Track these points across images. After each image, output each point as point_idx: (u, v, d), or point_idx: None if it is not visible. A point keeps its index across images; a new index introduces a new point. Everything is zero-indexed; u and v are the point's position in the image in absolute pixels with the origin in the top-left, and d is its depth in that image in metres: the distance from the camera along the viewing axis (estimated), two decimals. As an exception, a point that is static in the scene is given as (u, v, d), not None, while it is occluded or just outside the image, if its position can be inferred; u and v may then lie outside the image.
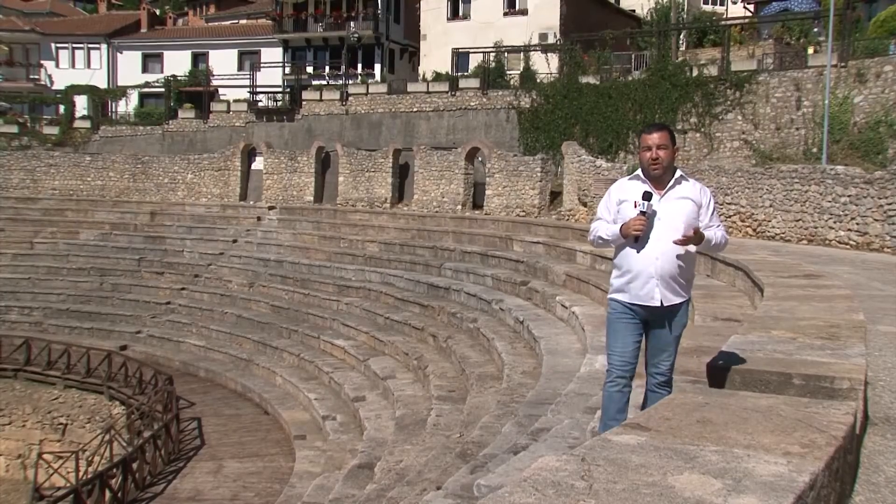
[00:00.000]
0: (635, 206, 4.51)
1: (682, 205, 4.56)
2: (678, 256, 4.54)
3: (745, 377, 3.42)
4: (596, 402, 5.56)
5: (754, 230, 16.68)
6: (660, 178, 4.59)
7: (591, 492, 2.17)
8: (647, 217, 4.46)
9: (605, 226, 4.74)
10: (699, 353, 5.80)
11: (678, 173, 4.65)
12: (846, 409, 3.03)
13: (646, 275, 4.57)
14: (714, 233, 4.66)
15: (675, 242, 4.44)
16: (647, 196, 4.49)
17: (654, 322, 4.70)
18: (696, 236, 4.50)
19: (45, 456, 16.60)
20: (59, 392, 21.60)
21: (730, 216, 17.26)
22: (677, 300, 4.63)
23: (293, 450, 15.38)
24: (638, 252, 4.57)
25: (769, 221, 16.39)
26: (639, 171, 4.73)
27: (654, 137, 4.59)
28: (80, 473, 14.37)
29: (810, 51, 25.47)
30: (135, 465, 14.57)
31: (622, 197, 4.69)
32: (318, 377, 18.43)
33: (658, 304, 4.58)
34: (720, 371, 3.53)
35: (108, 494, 13.68)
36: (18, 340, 23.19)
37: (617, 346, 4.76)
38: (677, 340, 4.78)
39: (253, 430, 17.24)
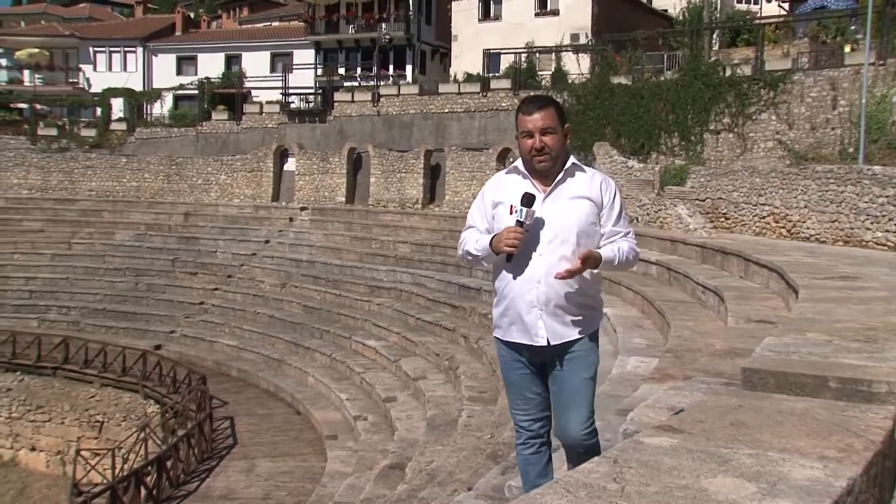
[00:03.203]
0: (511, 213, 3.40)
1: (575, 207, 3.45)
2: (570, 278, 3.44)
3: (779, 380, 3.38)
4: (629, 403, 5.54)
5: (788, 231, 16.47)
6: (547, 171, 3.48)
7: (624, 494, 2.17)
8: (526, 229, 3.36)
9: (475, 237, 3.60)
10: (732, 354, 5.75)
11: (570, 162, 3.51)
12: (884, 414, 2.99)
13: (525, 304, 3.45)
14: (618, 248, 3.49)
15: (557, 277, 3.33)
16: (526, 200, 3.36)
17: (549, 366, 3.58)
18: (587, 262, 3.33)
19: (82, 453, 16.87)
20: (95, 390, 21.96)
21: (763, 217, 17.07)
22: (573, 335, 3.50)
23: (325, 449, 15.46)
24: (515, 276, 3.46)
25: (804, 222, 16.17)
26: (518, 162, 3.59)
27: (536, 119, 3.43)
28: (117, 471, 14.58)
29: (847, 49, 25.06)
30: (169, 464, 14.75)
31: (497, 197, 3.55)
32: (350, 377, 18.52)
33: (544, 342, 3.47)
34: (754, 373, 3.50)
35: (143, 492, 13.87)
36: (57, 339, 23.63)
37: (517, 402, 3.69)
38: (588, 387, 3.56)
39: (285, 429, 17.38)
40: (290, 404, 18.85)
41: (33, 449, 21.97)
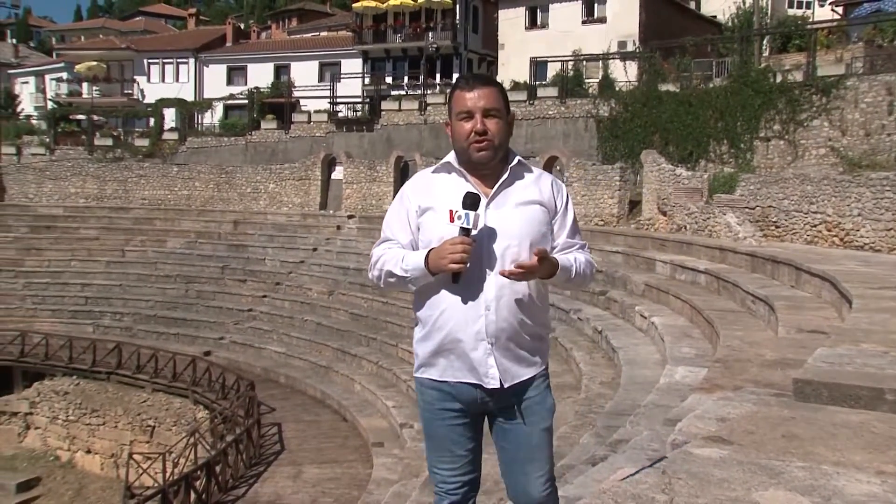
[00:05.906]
0: (452, 220, 2.72)
1: (525, 214, 2.82)
2: (524, 299, 2.77)
3: (832, 391, 3.31)
4: (677, 413, 5.46)
5: (841, 240, 16.12)
6: (487, 166, 2.82)
7: (673, 505, 2.15)
8: (473, 238, 2.68)
9: (397, 255, 2.87)
10: (783, 365, 5.65)
11: (516, 159, 2.88)
12: (943, 427, 2.91)
13: (470, 337, 2.75)
14: (575, 258, 2.90)
15: (504, 274, 2.68)
16: (470, 202, 2.70)
17: (497, 413, 2.89)
18: (541, 265, 2.67)
19: (135, 456, 17.21)
20: (147, 395, 22.40)
21: (815, 225, 16.73)
22: (528, 373, 2.84)
23: (371, 456, 15.54)
24: (464, 301, 2.75)
25: (857, 231, 15.81)
26: (450, 157, 2.89)
27: (476, 96, 2.77)
28: (167, 474, 14.82)
29: (904, 53, 24.49)
30: (218, 469, 14.95)
31: (426, 202, 2.84)
32: (396, 385, 18.59)
33: (496, 384, 2.78)
34: (806, 384, 3.43)
35: (192, 495, 14.09)
36: (111, 345, 24.19)
37: (442, 460, 2.93)
38: (549, 439, 2.92)
39: (332, 436, 17.50)
40: (337, 411, 18.98)
41: (89, 451, 22.50)
